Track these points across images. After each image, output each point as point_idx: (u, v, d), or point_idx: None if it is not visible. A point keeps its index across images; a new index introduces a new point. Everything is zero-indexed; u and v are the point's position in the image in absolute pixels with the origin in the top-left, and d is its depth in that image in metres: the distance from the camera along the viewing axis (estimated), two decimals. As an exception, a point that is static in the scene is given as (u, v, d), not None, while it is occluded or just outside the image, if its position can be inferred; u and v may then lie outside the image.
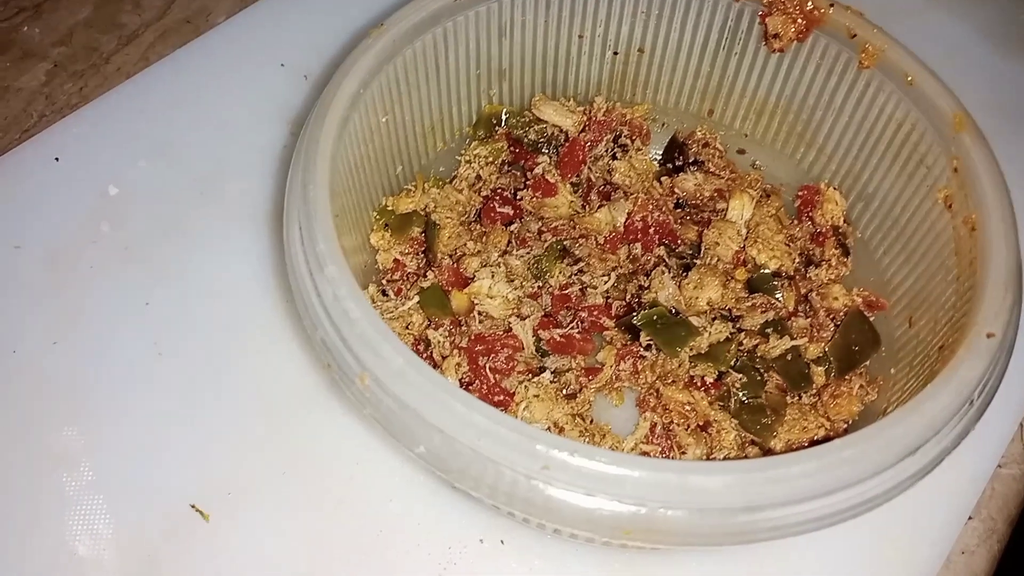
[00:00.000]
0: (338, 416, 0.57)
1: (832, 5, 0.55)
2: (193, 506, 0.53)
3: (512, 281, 0.57)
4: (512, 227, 0.61)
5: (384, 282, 0.58)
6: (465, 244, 0.59)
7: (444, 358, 0.54)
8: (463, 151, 0.64)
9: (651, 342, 0.56)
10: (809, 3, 0.56)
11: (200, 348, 0.59)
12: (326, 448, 0.56)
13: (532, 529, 0.52)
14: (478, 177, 0.64)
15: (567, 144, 0.63)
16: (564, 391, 0.56)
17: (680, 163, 0.65)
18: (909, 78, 0.53)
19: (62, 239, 0.63)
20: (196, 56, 0.74)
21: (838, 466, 0.39)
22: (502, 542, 0.53)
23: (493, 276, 0.56)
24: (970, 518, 0.56)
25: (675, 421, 0.55)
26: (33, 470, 0.54)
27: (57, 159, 0.67)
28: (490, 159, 0.63)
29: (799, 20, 0.56)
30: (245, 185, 0.67)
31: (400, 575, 0.51)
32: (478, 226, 0.61)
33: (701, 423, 0.55)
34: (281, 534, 0.52)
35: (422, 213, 0.60)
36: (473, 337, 0.54)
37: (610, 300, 0.59)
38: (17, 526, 0.53)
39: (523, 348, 0.55)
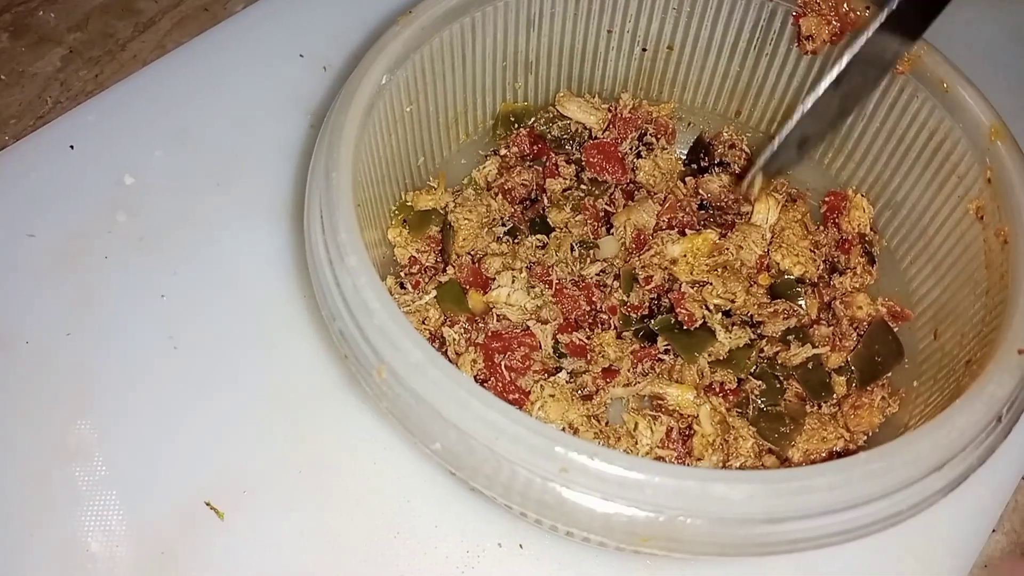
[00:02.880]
0: (356, 415, 0.56)
1: (868, 8, 0.54)
2: (208, 503, 0.52)
3: (533, 288, 0.56)
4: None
5: (402, 275, 0.57)
6: (488, 245, 0.58)
7: (459, 355, 0.54)
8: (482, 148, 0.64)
9: (669, 347, 0.55)
10: (844, 5, 0.55)
11: (216, 341, 0.58)
12: (343, 447, 0.55)
13: (552, 534, 0.52)
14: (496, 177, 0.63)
15: (599, 151, 0.61)
16: (580, 392, 0.55)
17: (705, 164, 0.64)
18: (945, 85, 0.52)
19: (77, 228, 0.63)
20: (213, 44, 0.73)
21: (863, 480, 0.38)
22: (521, 546, 0.52)
23: (513, 281, 0.56)
24: (993, 531, 0.55)
25: (692, 426, 0.54)
26: (46, 463, 0.54)
27: (72, 147, 0.66)
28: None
29: (833, 22, 0.55)
30: (262, 176, 0.66)
31: (417, 577, 0.51)
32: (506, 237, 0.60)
33: (718, 429, 0.54)
34: (296, 534, 0.52)
35: (441, 211, 0.59)
36: (490, 334, 0.53)
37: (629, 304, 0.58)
38: (30, 520, 0.52)
39: (540, 347, 0.54)
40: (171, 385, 0.57)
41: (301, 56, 0.73)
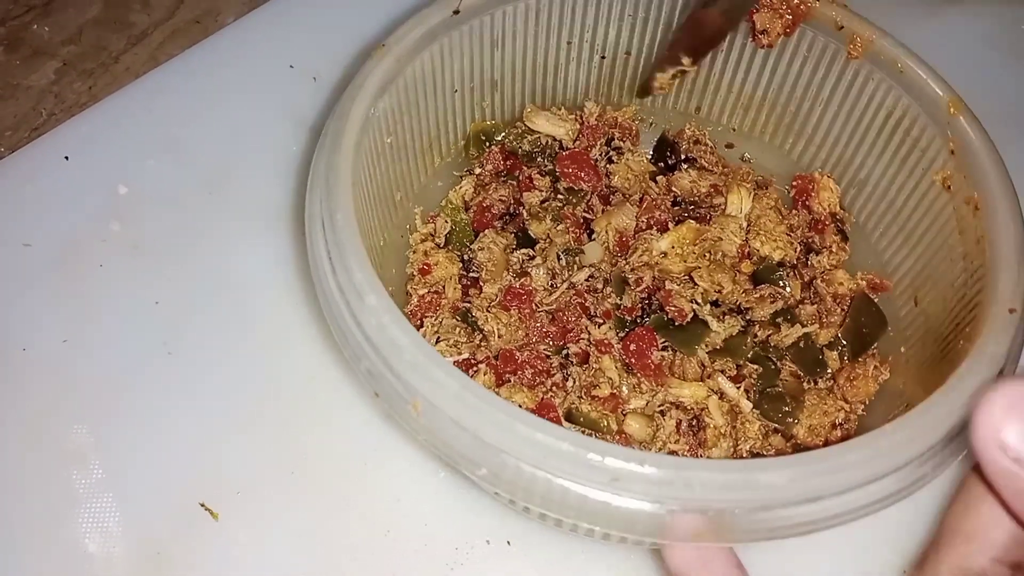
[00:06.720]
0: (346, 416, 0.58)
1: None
2: (203, 504, 0.54)
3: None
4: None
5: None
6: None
7: (472, 371, 0.54)
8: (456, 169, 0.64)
9: (667, 343, 0.57)
10: (796, -3, 0.57)
11: (209, 346, 0.60)
12: (335, 448, 0.57)
13: (540, 531, 0.54)
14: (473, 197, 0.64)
15: (572, 161, 0.62)
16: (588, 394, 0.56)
17: (672, 161, 0.66)
18: (899, 66, 0.55)
19: (72, 238, 0.64)
20: (205, 56, 0.74)
21: (890, 451, 0.40)
22: (508, 543, 0.54)
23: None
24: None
25: (699, 417, 0.56)
26: (43, 467, 0.55)
27: (67, 158, 0.67)
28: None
29: (786, 15, 0.58)
30: (255, 185, 0.67)
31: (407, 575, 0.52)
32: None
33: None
34: (289, 533, 0.53)
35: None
36: (501, 355, 0.54)
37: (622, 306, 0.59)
38: (28, 523, 0.53)
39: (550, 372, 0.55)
40: (165, 389, 0.58)
41: (291, 67, 0.74)
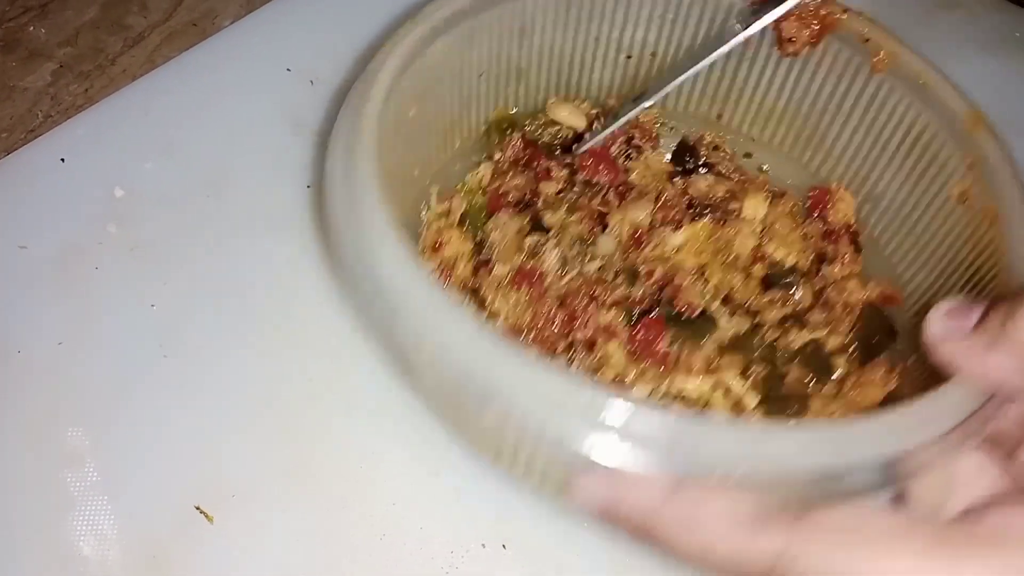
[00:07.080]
0: (343, 420, 0.57)
1: (846, 10, 0.58)
2: (198, 507, 0.53)
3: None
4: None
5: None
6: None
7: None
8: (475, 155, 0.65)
9: (674, 336, 0.56)
10: (824, 8, 0.58)
11: (205, 350, 0.59)
12: (330, 451, 0.56)
13: (535, 535, 0.53)
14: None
15: (591, 154, 0.63)
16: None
17: (691, 166, 0.66)
18: (922, 81, 0.55)
19: (68, 240, 0.63)
20: (202, 59, 0.74)
21: (909, 428, 0.40)
22: (504, 547, 0.53)
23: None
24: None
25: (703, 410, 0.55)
26: (38, 470, 0.53)
27: (63, 160, 0.66)
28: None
29: (813, 25, 0.58)
30: (251, 186, 0.67)
31: (402, 579, 0.51)
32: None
33: (730, 414, 0.55)
34: (284, 536, 0.52)
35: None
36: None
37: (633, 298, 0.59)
38: (22, 526, 0.51)
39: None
40: (161, 393, 0.57)
41: (288, 70, 0.74)
